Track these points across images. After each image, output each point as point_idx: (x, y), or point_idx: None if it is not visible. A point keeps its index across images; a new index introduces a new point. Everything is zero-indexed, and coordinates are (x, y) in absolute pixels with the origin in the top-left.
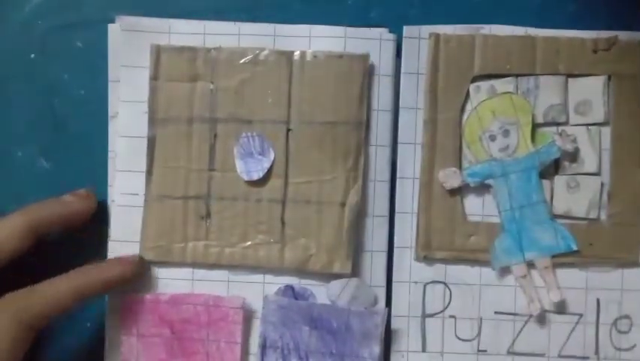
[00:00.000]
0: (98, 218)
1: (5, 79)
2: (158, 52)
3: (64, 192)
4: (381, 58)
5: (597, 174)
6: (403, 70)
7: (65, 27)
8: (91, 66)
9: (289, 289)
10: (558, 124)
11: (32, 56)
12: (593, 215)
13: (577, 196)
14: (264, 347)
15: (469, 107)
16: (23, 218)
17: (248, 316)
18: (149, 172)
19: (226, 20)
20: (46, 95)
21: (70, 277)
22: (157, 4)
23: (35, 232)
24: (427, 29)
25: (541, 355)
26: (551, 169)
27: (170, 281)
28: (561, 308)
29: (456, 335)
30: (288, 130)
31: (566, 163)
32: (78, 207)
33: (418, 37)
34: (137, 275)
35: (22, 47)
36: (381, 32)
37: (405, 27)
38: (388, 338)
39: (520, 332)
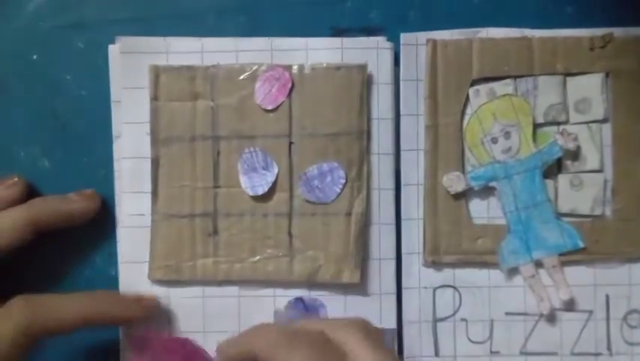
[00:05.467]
0: (106, 237)
1: (7, 79)
2: (157, 72)
3: (67, 192)
4: (379, 66)
5: (600, 170)
6: (402, 77)
7: (67, 28)
8: (92, 67)
9: (299, 302)
10: (559, 123)
11: (34, 56)
12: (597, 212)
13: (581, 194)
14: None
15: (469, 111)
16: (26, 211)
17: None
18: (154, 192)
19: (224, 23)
20: (48, 95)
21: (81, 301)
22: (157, 4)
23: (35, 226)
24: (424, 35)
25: (554, 353)
26: (554, 168)
27: (181, 300)
28: (571, 306)
29: (468, 338)
30: (291, 143)
31: (569, 162)
32: (81, 207)
33: (416, 43)
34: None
35: (24, 47)
36: (378, 41)
37: (402, 34)
38: (401, 344)
39: (531, 331)
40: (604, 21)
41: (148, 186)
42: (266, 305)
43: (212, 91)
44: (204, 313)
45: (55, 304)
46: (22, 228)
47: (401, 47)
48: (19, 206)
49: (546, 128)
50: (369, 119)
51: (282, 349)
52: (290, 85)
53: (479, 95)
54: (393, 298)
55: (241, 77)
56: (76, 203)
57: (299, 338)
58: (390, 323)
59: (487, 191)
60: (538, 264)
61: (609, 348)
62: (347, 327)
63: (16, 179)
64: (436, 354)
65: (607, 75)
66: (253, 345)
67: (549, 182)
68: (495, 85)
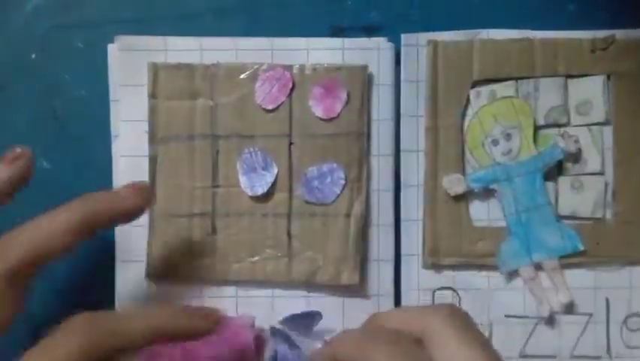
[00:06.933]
0: (104, 236)
1: (6, 79)
2: (155, 70)
3: (65, 193)
4: (380, 67)
5: (601, 173)
6: (402, 78)
7: (66, 27)
8: (92, 66)
9: (295, 317)
10: (560, 125)
11: (33, 56)
12: (598, 214)
13: (582, 196)
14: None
15: (470, 112)
16: (77, 212)
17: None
18: None
19: (224, 23)
20: (47, 95)
21: (147, 316)
22: (157, 4)
23: (90, 228)
24: (425, 36)
25: (553, 356)
26: (555, 171)
27: (179, 300)
28: (571, 309)
29: None
30: (290, 144)
31: (570, 164)
32: (135, 202)
33: (417, 44)
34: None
35: (23, 47)
36: (380, 42)
37: (403, 35)
38: None
39: (531, 334)
40: (606, 22)
41: None
42: (264, 306)
43: (212, 90)
44: None
45: (121, 321)
46: (78, 230)
47: (402, 48)
48: (67, 206)
49: (547, 131)
50: (369, 120)
51: (360, 351)
52: (290, 85)
53: (480, 96)
54: (392, 300)
55: (241, 77)
56: (129, 200)
57: (374, 338)
58: None
59: (487, 193)
60: (538, 267)
61: (609, 352)
62: (427, 314)
63: (18, 150)
64: None
65: (608, 77)
66: (335, 350)
67: (550, 184)
68: (496, 87)
